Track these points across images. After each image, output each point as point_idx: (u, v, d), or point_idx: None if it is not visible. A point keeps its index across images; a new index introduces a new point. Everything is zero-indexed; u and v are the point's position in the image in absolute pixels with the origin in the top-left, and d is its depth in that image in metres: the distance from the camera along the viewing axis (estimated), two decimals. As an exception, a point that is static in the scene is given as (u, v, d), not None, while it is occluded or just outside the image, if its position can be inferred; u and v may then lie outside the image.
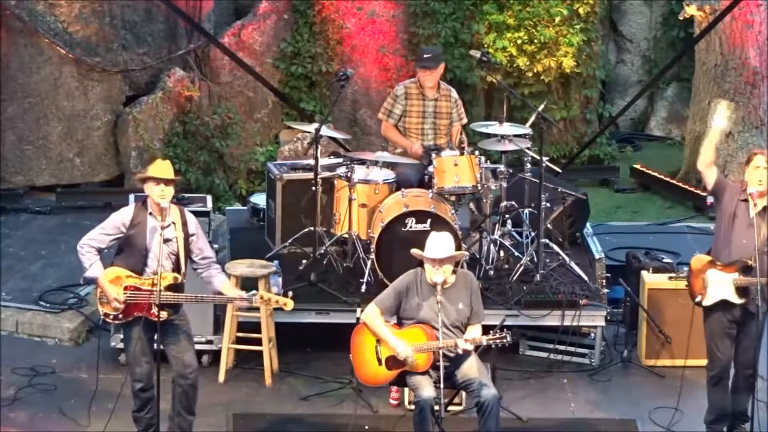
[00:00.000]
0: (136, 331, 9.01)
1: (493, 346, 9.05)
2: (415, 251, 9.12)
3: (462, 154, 10.85)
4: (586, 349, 10.89)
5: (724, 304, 9.36)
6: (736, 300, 9.33)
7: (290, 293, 9.21)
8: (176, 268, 9.04)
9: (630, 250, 11.64)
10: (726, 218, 9.40)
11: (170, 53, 14.79)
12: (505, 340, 9.00)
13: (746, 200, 9.35)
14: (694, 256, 9.55)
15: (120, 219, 9.07)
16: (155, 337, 9.02)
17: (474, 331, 9.10)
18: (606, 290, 11.11)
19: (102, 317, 9.21)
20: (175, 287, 9.00)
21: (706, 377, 9.56)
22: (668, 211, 14.52)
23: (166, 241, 8.93)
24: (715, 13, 14.18)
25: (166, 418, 9.28)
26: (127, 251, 9.07)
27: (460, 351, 8.94)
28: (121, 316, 9.03)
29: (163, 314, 8.92)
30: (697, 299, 9.46)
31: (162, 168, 9.06)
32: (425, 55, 11.35)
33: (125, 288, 8.98)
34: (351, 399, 10.13)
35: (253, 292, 9.32)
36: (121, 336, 10.18)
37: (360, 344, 9.18)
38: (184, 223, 9.09)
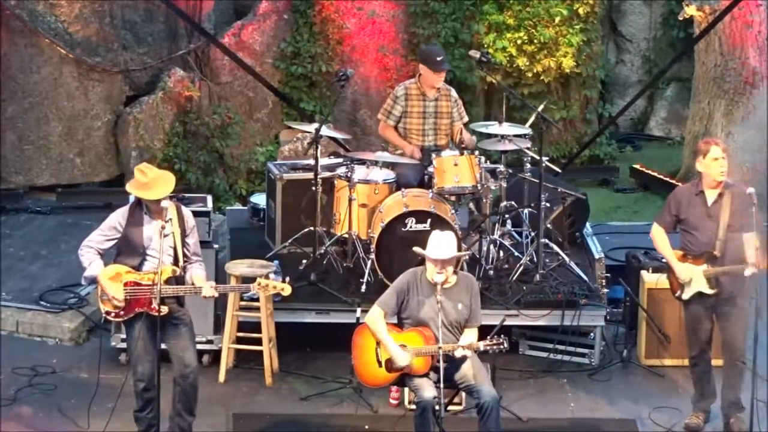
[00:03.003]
0: (138, 329, 9.01)
1: (489, 351, 9.04)
2: (417, 250, 9.12)
3: (462, 154, 10.85)
4: (585, 348, 10.89)
5: (699, 295, 9.56)
6: (708, 291, 9.55)
7: (287, 278, 9.24)
8: (174, 262, 9.09)
9: (630, 250, 11.64)
10: (685, 216, 9.61)
11: (170, 53, 14.80)
12: (501, 346, 8.99)
13: (701, 193, 9.55)
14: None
15: (116, 219, 9.12)
16: (158, 335, 9.02)
17: (470, 335, 9.09)
18: (606, 290, 11.11)
19: (104, 315, 9.22)
20: (174, 280, 9.04)
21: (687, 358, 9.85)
22: (668, 211, 14.51)
23: (164, 236, 8.95)
24: (714, 13, 14.18)
25: (166, 418, 9.28)
26: (126, 251, 9.09)
27: (458, 356, 8.94)
28: (122, 313, 9.03)
29: (164, 309, 8.93)
30: (677, 294, 9.71)
31: (151, 186, 8.96)
32: (438, 58, 11.23)
33: (125, 284, 9.00)
34: (351, 399, 10.14)
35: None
36: (122, 336, 10.23)
37: (360, 346, 9.18)
38: (180, 218, 9.14)
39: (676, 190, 9.96)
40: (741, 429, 9.69)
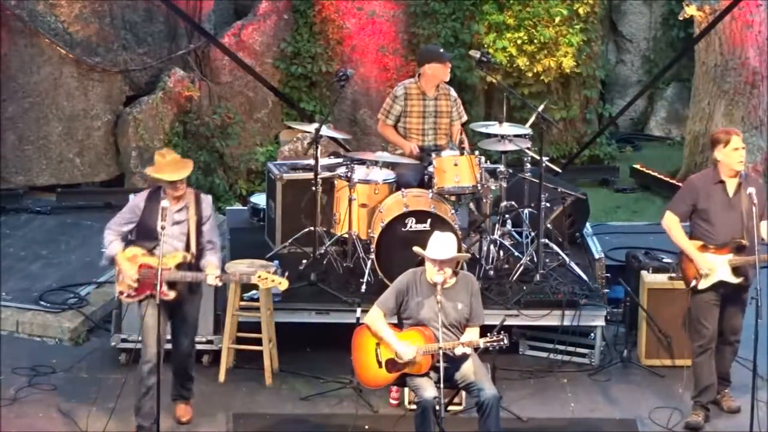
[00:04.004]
0: (150, 311, 9.26)
1: (490, 348, 9.04)
2: (417, 249, 9.12)
3: (462, 154, 10.85)
4: (586, 349, 10.89)
5: (717, 284, 9.59)
6: (734, 280, 9.61)
7: (286, 273, 9.52)
8: (187, 248, 9.38)
9: (630, 250, 11.63)
10: (704, 206, 9.59)
11: (170, 53, 14.80)
12: (502, 343, 8.98)
13: (721, 182, 9.57)
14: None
15: (135, 203, 9.51)
16: (169, 319, 9.46)
17: (472, 334, 9.09)
18: (606, 290, 11.11)
19: (117, 295, 9.56)
20: (187, 266, 9.33)
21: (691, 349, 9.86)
22: (668, 211, 14.52)
23: (177, 222, 9.33)
24: (715, 13, 14.18)
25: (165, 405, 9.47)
26: (142, 235, 9.42)
27: (458, 353, 8.94)
28: (134, 293, 9.36)
29: (171, 294, 9.24)
30: (692, 284, 9.68)
31: (170, 167, 9.35)
32: (441, 50, 11.45)
33: (139, 266, 9.30)
34: (351, 399, 10.13)
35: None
36: (122, 336, 10.51)
37: (360, 346, 9.18)
38: (198, 207, 9.44)
39: (693, 179, 9.93)
40: (730, 405, 9.93)
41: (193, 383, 9.82)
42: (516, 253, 11.21)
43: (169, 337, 9.61)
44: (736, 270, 9.55)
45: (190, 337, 9.62)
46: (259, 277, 9.40)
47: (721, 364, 9.92)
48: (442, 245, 8.99)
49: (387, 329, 9.06)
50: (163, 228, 9.11)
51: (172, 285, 9.25)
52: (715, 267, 9.56)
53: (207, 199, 9.59)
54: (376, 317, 9.10)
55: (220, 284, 9.46)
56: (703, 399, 9.86)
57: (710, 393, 9.87)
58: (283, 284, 9.41)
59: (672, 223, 9.72)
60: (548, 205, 11.17)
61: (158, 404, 9.23)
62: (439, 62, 11.23)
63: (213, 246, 9.49)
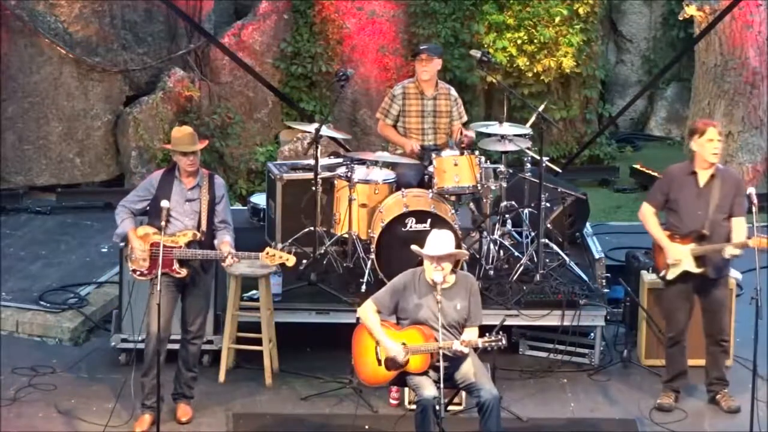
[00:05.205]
0: (157, 289, 9.30)
1: (488, 349, 9.03)
2: (414, 248, 9.12)
3: (462, 153, 10.86)
4: (585, 349, 10.89)
5: (684, 275, 9.66)
6: (695, 270, 9.66)
7: (293, 249, 9.61)
8: (198, 227, 9.51)
9: (630, 250, 11.65)
10: (675, 195, 9.68)
11: (170, 53, 14.81)
12: (500, 343, 8.97)
13: (693, 173, 9.66)
14: None
15: (150, 181, 9.68)
16: (181, 298, 9.60)
17: (470, 334, 9.08)
18: (606, 290, 11.11)
19: (130, 273, 9.64)
20: (198, 244, 9.47)
21: (664, 341, 10.09)
22: (668, 211, 14.52)
23: (190, 200, 9.50)
24: (715, 13, 14.19)
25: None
26: (155, 212, 9.52)
27: (455, 348, 8.93)
28: (146, 271, 9.48)
29: (183, 271, 9.43)
30: (662, 274, 9.81)
31: (185, 139, 9.53)
32: (421, 46, 11.51)
33: (151, 245, 9.43)
34: (351, 399, 10.13)
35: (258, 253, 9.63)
36: (122, 336, 10.50)
37: (361, 343, 9.17)
38: (211, 187, 9.60)
39: (669, 169, 10.03)
40: (730, 405, 9.93)
41: (195, 382, 9.83)
42: (516, 253, 11.21)
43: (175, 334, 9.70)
44: (698, 260, 9.60)
45: (200, 319, 9.69)
46: (267, 253, 9.49)
47: (714, 367, 9.96)
48: (438, 242, 8.98)
49: (377, 324, 9.05)
50: (166, 225, 9.28)
51: (183, 263, 9.42)
52: (684, 257, 9.62)
53: (220, 181, 9.75)
54: (368, 310, 9.11)
55: (233, 262, 9.53)
56: (674, 384, 10.01)
57: (681, 379, 9.99)
58: (290, 260, 9.51)
59: (647, 213, 9.83)
60: (548, 205, 11.17)
61: (158, 389, 9.30)
62: (414, 56, 11.34)
63: (226, 226, 9.63)
